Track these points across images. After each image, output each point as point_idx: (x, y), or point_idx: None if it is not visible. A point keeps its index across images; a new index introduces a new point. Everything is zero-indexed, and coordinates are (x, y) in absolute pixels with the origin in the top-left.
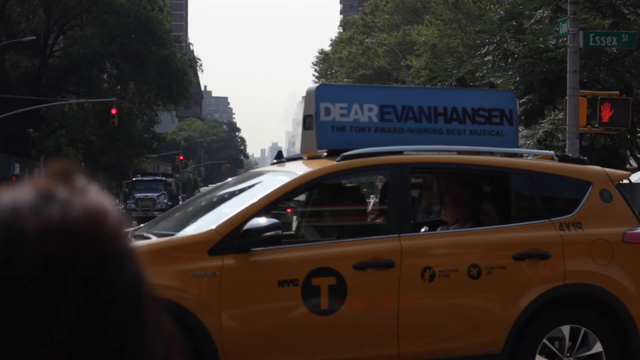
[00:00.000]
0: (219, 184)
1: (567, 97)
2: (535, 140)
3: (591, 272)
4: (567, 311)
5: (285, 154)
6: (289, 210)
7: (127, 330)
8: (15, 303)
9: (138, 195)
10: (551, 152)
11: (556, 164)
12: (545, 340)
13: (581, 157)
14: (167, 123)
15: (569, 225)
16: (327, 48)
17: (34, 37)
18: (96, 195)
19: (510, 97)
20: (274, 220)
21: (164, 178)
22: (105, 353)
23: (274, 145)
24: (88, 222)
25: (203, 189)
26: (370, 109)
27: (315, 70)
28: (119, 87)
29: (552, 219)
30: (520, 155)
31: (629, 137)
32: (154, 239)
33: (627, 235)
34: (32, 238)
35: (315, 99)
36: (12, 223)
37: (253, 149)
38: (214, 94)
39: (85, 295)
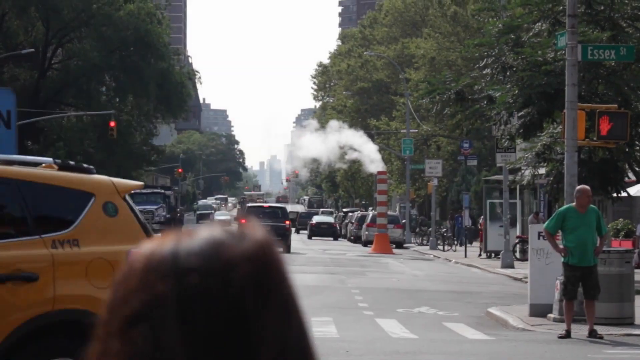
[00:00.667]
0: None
1: (565, 110)
2: (533, 153)
3: (86, 296)
4: (57, 342)
5: (283, 167)
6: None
7: (299, 327)
8: (240, 312)
9: (136, 207)
10: (49, 160)
11: (54, 173)
12: None
13: (86, 165)
14: (166, 136)
15: (64, 243)
16: (326, 61)
17: (33, 50)
18: (264, 231)
19: (7, 97)
20: None
21: (162, 191)
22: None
23: (273, 157)
24: (269, 249)
25: (201, 202)
26: None
27: (314, 83)
28: (117, 100)
29: (43, 236)
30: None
31: (627, 150)
32: None
33: (132, 254)
34: (241, 263)
35: None
36: (220, 254)
37: (252, 162)
38: (212, 107)
39: (279, 304)
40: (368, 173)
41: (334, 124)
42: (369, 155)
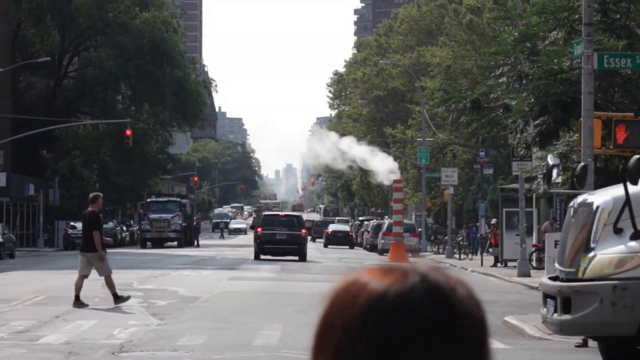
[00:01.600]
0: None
1: (581, 119)
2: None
3: None
4: None
5: (299, 175)
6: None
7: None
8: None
9: (152, 216)
10: None
11: None
12: None
13: None
14: (182, 144)
15: None
16: (342, 69)
17: (49, 58)
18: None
19: None
20: None
21: (178, 199)
22: None
23: (289, 166)
24: (472, 289)
25: (217, 210)
26: None
27: (330, 91)
28: (133, 108)
29: None
30: None
31: None
32: None
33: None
34: (464, 303)
35: None
36: (445, 297)
37: (267, 170)
38: (228, 115)
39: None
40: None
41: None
42: (361, 157)
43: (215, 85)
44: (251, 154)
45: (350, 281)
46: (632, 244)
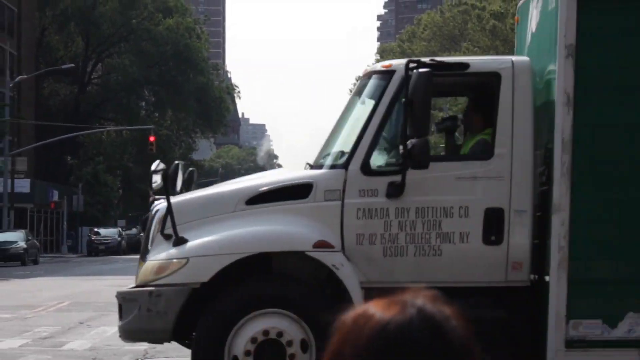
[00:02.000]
0: None
1: None
2: None
3: None
4: None
5: None
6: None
7: None
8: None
9: None
10: None
11: None
12: None
13: None
14: (205, 150)
15: None
16: None
17: (73, 65)
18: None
19: None
20: None
21: None
22: None
23: None
24: (463, 318)
25: None
26: None
27: None
28: (156, 115)
29: None
30: None
31: None
32: None
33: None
34: (456, 331)
35: None
36: (440, 324)
37: None
38: (251, 121)
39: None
40: None
41: None
42: None
43: (239, 92)
44: (274, 160)
45: (359, 313)
46: (173, 250)
